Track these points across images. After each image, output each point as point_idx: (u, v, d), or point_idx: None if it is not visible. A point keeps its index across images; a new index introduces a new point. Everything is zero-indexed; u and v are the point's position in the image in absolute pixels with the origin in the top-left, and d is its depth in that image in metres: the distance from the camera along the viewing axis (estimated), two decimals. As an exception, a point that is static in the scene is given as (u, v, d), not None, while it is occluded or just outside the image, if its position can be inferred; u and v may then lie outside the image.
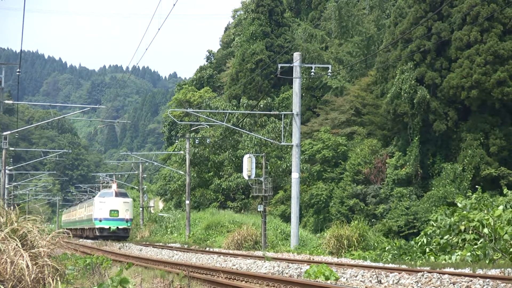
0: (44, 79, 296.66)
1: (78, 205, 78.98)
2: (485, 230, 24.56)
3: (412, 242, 29.23)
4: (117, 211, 58.62)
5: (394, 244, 30.30)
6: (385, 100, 56.63)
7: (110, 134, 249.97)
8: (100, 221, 58.37)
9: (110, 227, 58.36)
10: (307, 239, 47.58)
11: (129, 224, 59.26)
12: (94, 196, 68.31)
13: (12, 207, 14.70)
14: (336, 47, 70.89)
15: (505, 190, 31.68)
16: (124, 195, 61.09)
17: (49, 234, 13.97)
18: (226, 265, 23.71)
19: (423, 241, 27.62)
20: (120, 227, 58.52)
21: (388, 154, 57.23)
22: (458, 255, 24.17)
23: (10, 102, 66.72)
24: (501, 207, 25.77)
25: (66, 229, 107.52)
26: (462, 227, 25.85)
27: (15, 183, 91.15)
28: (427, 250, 26.84)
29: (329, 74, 45.02)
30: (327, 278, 17.19)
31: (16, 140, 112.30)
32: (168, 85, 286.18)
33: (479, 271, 18.02)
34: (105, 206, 58.98)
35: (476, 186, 34.91)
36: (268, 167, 55.25)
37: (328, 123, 65.15)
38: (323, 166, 61.64)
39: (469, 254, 23.61)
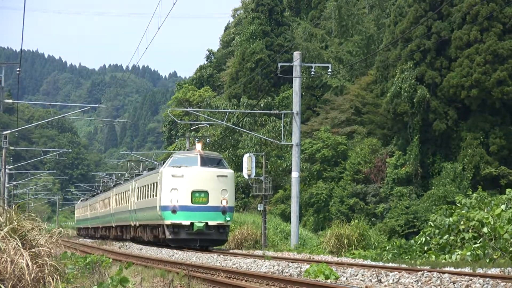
0: (44, 78, 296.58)
1: (114, 188, 55.15)
2: (485, 229, 24.57)
3: (412, 241, 29.26)
4: (206, 192, 34.51)
5: (394, 244, 30.31)
6: (385, 99, 56.65)
7: (110, 134, 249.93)
8: (174, 212, 34.43)
9: (192, 224, 34.03)
10: (307, 238, 47.64)
11: (228, 218, 34.64)
12: (154, 167, 42.97)
13: (12, 206, 14.70)
14: (336, 46, 70.87)
15: (508, 191, 31.68)
16: (217, 162, 36.18)
17: (49, 233, 13.97)
18: (226, 264, 23.71)
19: (423, 240, 27.63)
20: (211, 223, 34.22)
21: (388, 153, 57.24)
22: (458, 254, 24.18)
23: (10, 101, 66.68)
24: (503, 206, 25.76)
25: (81, 228, 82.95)
26: (462, 227, 25.86)
27: (15, 182, 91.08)
28: (426, 249, 26.85)
29: (329, 73, 45.21)
30: (327, 277, 17.19)
31: (16, 139, 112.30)
32: (168, 84, 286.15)
33: (479, 270, 18.02)
34: (182, 184, 34.71)
35: (478, 186, 34.93)
36: (268, 166, 55.26)
37: (328, 122, 65.15)
38: (323, 165, 61.64)
39: (469, 253, 23.61)
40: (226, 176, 35.42)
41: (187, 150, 42.00)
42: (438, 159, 53.79)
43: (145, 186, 40.06)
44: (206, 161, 35.52)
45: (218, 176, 35.19)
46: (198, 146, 36.81)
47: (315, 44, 71.13)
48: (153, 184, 37.38)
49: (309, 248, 35.23)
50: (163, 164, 37.38)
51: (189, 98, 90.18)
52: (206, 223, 34.33)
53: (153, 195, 37.25)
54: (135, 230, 43.65)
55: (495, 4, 51.10)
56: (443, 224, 26.90)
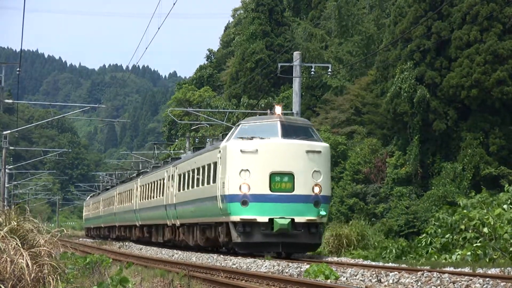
0: (44, 78, 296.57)
1: (139, 178, 45.37)
2: (485, 229, 24.59)
3: (416, 242, 29.28)
4: (291, 176, 25.22)
5: (394, 244, 30.33)
6: (385, 99, 56.65)
7: (110, 134, 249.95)
8: (244, 204, 25.00)
9: (272, 221, 24.76)
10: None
11: (323, 213, 25.21)
12: (207, 142, 35.15)
13: (12, 206, 14.71)
14: (336, 46, 70.88)
15: (506, 187, 31.66)
16: (305, 132, 26.47)
17: (49, 233, 13.98)
18: (226, 264, 23.72)
19: (428, 240, 27.66)
20: (298, 219, 24.92)
21: (388, 153, 57.24)
22: (458, 254, 24.20)
23: (10, 101, 66.67)
24: (505, 206, 25.79)
25: (91, 228, 66.31)
26: (463, 226, 25.88)
27: (15, 182, 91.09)
28: (430, 250, 26.89)
29: (329, 73, 45.20)
30: (327, 277, 17.20)
31: (16, 139, 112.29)
32: (168, 84, 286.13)
33: (479, 270, 18.03)
34: (256, 164, 25.27)
35: (481, 187, 34.97)
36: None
37: (328, 122, 65.14)
38: (323, 165, 61.56)
39: (469, 253, 23.64)
40: (320, 152, 25.55)
41: (259, 116, 30.87)
42: (438, 159, 53.77)
43: (193, 170, 30.64)
44: (290, 130, 25.77)
45: (308, 151, 25.27)
46: (278, 109, 26.59)
47: (315, 44, 71.12)
48: (209, 166, 27.96)
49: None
50: (225, 137, 27.30)
51: (189, 98, 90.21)
52: (292, 220, 24.59)
53: (208, 181, 27.78)
54: (172, 231, 34.74)
55: (495, 4, 51.09)
56: (446, 223, 26.92)
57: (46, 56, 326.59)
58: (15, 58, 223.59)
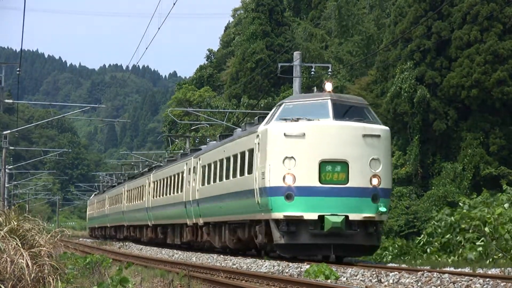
0: (44, 78, 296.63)
1: (152, 173, 41.46)
2: (486, 229, 24.58)
3: (415, 242, 29.28)
4: (345, 164, 21.61)
5: (394, 244, 30.34)
6: (385, 99, 56.65)
7: (110, 134, 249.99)
8: (289, 199, 21.36)
9: (322, 219, 21.21)
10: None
11: (383, 209, 21.54)
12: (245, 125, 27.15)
13: (11, 206, 14.72)
14: (336, 46, 70.90)
15: (504, 186, 31.68)
16: (360, 113, 22.84)
17: (49, 233, 13.98)
18: (226, 264, 23.71)
19: (425, 240, 27.65)
20: (354, 217, 21.34)
21: (388, 153, 57.22)
22: (459, 254, 24.20)
23: (10, 101, 66.68)
24: (506, 205, 25.78)
25: (96, 228, 63.83)
26: (464, 226, 25.87)
27: (15, 182, 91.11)
28: (429, 250, 26.86)
29: (329, 73, 45.06)
30: (327, 277, 17.19)
31: (16, 139, 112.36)
32: (168, 84, 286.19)
33: (479, 271, 18.02)
34: (302, 151, 21.59)
35: (482, 188, 34.98)
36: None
37: (328, 122, 65.07)
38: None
39: (474, 253, 23.63)
40: (379, 136, 21.95)
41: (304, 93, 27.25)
42: (438, 159, 53.78)
43: (221, 161, 26.88)
44: (343, 110, 22.15)
45: (365, 136, 21.64)
46: (328, 85, 22.85)
47: (315, 44, 71.14)
48: (242, 154, 24.23)
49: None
50: (261, 121, 23.60)
51: (189, 98, 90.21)
52: (346, 217, 21.07)
53: (242, 172, 24.17)
54: (195, 231, 31.08)
55: (495, 4, 51.11)
56: (446, 223, 26.90)
57: (46, 56, 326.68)
58: (15, 58, 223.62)
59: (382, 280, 16.17)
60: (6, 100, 51.65)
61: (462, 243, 25.42)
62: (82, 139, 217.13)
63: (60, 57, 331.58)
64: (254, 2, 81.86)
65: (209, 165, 28.70)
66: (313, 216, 21.15)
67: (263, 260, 22.89)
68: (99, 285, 13.63)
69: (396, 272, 16.55)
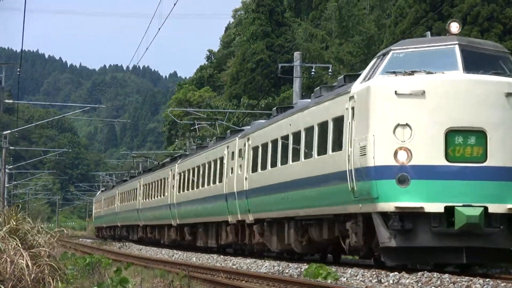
0: (44, 78, 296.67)
1: (177, 163, 35.69)
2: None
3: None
4: (482, 134, 15.47)
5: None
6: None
7: (110, 134, 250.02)
8: (403, 183, 15.42)
9: (452, 211, 15.18)
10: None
11: None
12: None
13: (11, 206, 14.72)
14: (336, 47, 70.91)
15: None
16: (497, 64, 16.28)
17: (48, 233, 13.99)
18: (226, 264, 23.70)
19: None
20: (495, 208, 15.29)
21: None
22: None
23: (11, 101, 66.73)
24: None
25: (103, 228, 61.98)
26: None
27: (15, 182, 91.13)
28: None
29: (330, 73, 45.03)
30: (327, 278, 17.18)
31: (16, 139, 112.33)
32: (168, 84, 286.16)
33: (479, 271, 18.01)
34: (421, 115, 15.61)
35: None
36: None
37: (328, 122, 65.14)
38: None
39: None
40: None
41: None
42: (438, 160, 53.74)
43: (286, 137, 21.21)
44: (475, 60, 16.24)
45: (508, 95, 15.86)
46: (454, 25, 16.93)
47: (315, 45, 71.15)
48: (323, 126, 18.65)
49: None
50: (361, 75, 17.79)
51: (189, 98, 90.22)
52: (485, 209, 15.40)
53: (323, 150, 18.51)
54: (239, 231, 25.53)
55: (496, 4, 51.13)
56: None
57: (46, 56, 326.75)
58: (15, 58, 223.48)
59: (382, 280, 16.15)
60: (6, 100, 51.68)
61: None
62: (82, 139, 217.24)
63: (60, 58, 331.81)
64: (254, 3, 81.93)
65: (265, 146, 22.87)
66: (438, 207, 15.46)
67: (263, 261, 22.86)
68: (99, 286, 13.63)
69: (396, 273, 16.53)
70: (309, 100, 21.41)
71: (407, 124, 15.70)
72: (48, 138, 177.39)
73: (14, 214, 13.79)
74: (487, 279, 14.43)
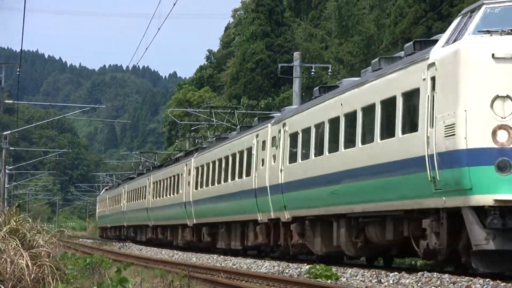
0: (44, 78, 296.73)
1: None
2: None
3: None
4: None
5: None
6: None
7: (110, 134, 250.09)
8: (504, 170, 12.44)
9: None
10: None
11: None
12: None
13: (11, 207, 14.72)
14: (336, 47, 70.92)
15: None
16: None
17: (49, 234, 14.00)
18: (226, 264, 23.70)
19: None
20: None
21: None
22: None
23: (10, 101, 66.76)
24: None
25: (108, 228, 61.25)
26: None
27: (15, 183, 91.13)
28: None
29: (330, 73, 45.06)
30: (327, 278, 17.18)
31: (16, 139, 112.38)
32: (168, 84, 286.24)
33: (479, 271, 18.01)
34: None
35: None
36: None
37: (328, 122, 65.13)
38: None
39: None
40: None
41: None
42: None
43: (333, 121, 18.30)
44: None
45: None
46: None
47: (315, 45, 71.16)
48: (389, 102, 15.68)
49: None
50: (443, 36, 14.33)
51: (189, 98, 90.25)
52: None
53: (390, 132, 15.60)
54: (271, 231, 22.59)
55: (495, 4, 51.23)
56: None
57: (46, 56, 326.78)
58: (15, 58, 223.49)
59: (382, 280, 16.16)
60: (6, 101, 51.71)
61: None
62: (82, 139, 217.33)
63: (60, 58, 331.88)
64: (254, 3, 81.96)
65: (305, 132, 19.78)
66: None
67: (263, 261, 22.85)
68: (99, 286, 13.62)
69: (396, 273, 16.53)
70: (358, 78, 18.38)
71: (507, 96, 12.81)
72: (48, 138, 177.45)
73: (13, 214, 13.80)
74: (487, 279, 14.42)
